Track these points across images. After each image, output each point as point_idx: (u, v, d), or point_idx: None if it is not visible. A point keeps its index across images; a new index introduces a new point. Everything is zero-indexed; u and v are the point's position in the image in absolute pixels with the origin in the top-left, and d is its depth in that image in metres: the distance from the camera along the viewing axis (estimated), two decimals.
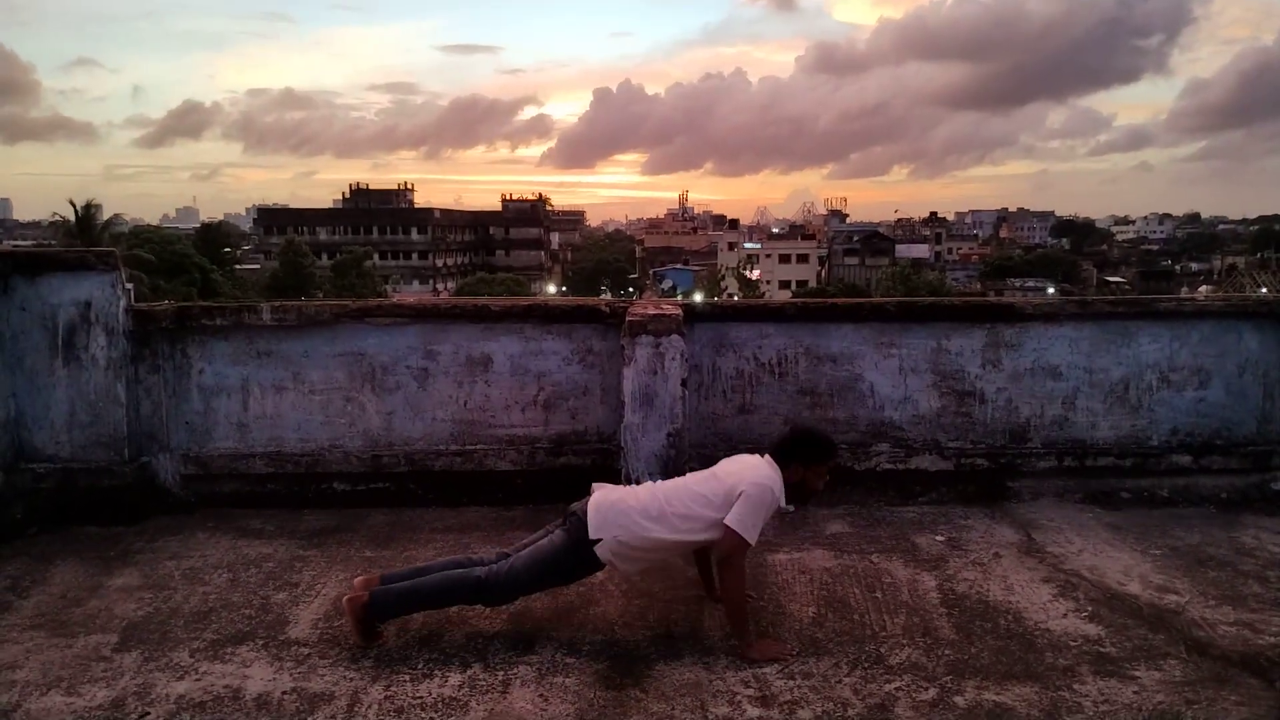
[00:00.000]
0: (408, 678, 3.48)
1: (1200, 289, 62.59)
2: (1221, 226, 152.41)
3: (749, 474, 3.74)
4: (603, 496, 3.82)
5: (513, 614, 3.93)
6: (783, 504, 3.76)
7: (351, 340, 5.40)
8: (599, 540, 3.68)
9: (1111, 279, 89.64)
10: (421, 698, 3.34)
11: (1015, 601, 4.13)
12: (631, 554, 3.74)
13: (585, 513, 3.75)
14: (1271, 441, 5.60)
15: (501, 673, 3.51)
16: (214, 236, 66.92)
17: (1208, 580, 4.36)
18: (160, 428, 5.36)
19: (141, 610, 4.06)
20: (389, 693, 3.37)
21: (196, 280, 51.05)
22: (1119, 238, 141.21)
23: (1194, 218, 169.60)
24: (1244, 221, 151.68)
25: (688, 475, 3.97)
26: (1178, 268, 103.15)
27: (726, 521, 3.64)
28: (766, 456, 3.85)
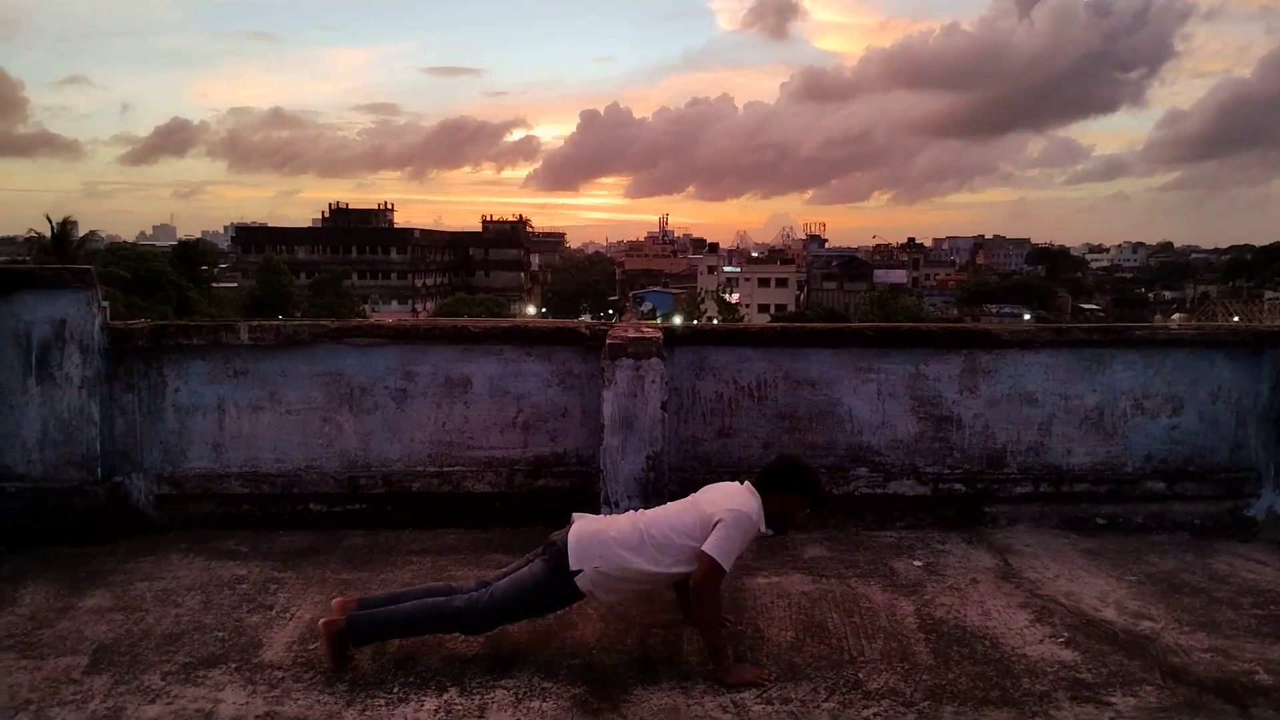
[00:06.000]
0: (383, 702, 3.44)
1: (1173, 317, 63.35)
2: (1194, 255, 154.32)
3: (728, 501, 3.74)
4: (583, 527, 3.81)
5: (490, 638, 3.89)
6: (762, 529, 3.77)
7: (329, 360, 5.37)
8: (579, 571, 3.67)
9: (1086, 306, 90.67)
10: None
11: (992, 627, 4.14)
12: (611, 584, 3.72)
13: (565, 543, 3.73)
14: (1244, 468, 5.66)
15: (478, 697, 3.48)
16: (191, 254, 66.40)
17: (1182, 606, 4.39)
18: (134, 447, 5.30)
19: (112, 632, 4.00)
20: (363, 717, 3.34)
21: (173, 298, 50.61)
22: (1093, 265, 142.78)
23: (1167, 246, 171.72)
24: (1216, 251, 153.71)
25: (669, 505, 3.96)
26: (1151, 296, 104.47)
27: (703, 548, 3.63)
28: (747, 484, 3.86)
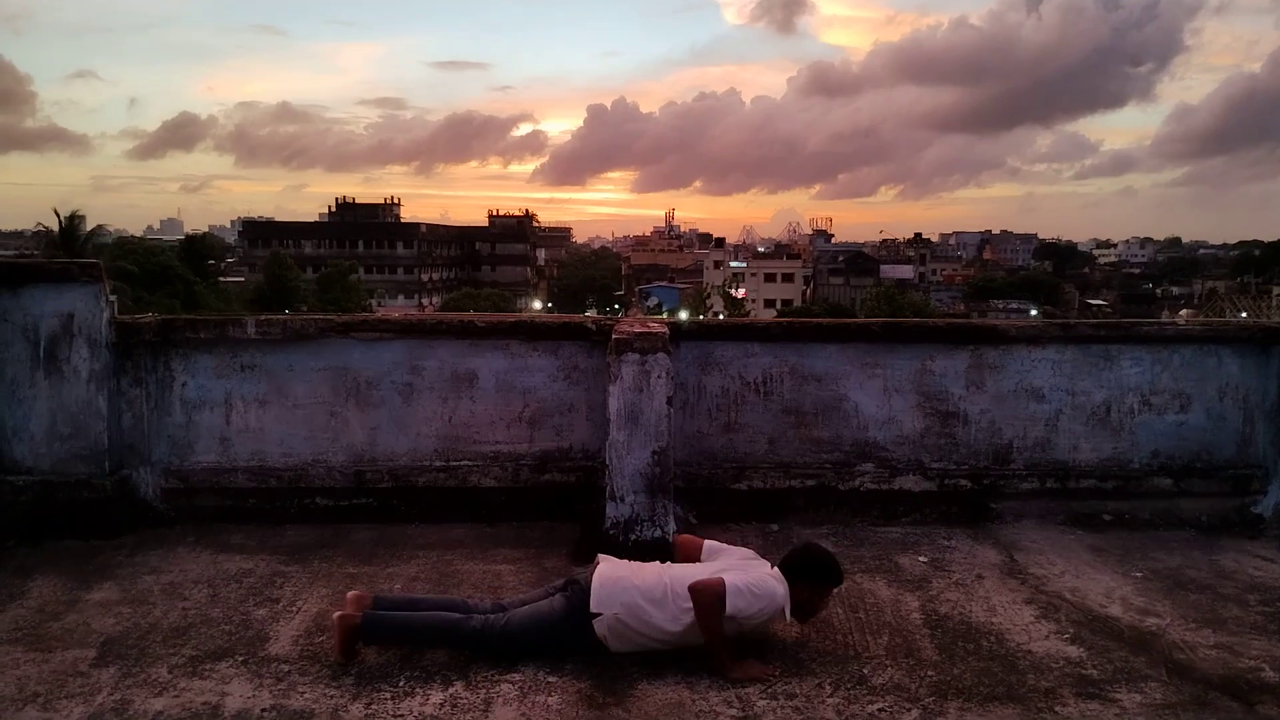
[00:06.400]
0: (389, 695, 3.45)
1: (1181, 313, 63.15)
2: (1202, 251, 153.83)
3: (763, 583, 3.72)
4: (609, 571, 3.81)
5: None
6: (788, 619, 3.77)
7: (336, 355, 5.38)
8: (599, 615, 3.66)
9: (1093, 302, 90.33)
10: (402, 716, 3.32)
11: (997, 623, 4.14)
12: (627, 634, 3.69)
13: (589, 583, 3.73)
14: (1251, 465, 5.64)
15: (483, 691, 3.49)
16: (199, 249, 66.56)
17: (1188, 603, 4.39)
18: (141, 441, 5.32)
19: (120, 625, 4.02)
20: (370, 710, 3.35)
21: (180, 292, 50.72)
22: (1100, 261, 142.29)
23: (1175, 242, 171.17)
24: (1224, 246, 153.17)
25: (698, 564, 3.95)
26: (1159, 291, 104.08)
27: (724, 577, 3.64)
28: (776, 569, 3.85)
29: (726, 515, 5.29)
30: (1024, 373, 5.55)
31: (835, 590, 3.95)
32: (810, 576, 3.83)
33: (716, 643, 3.64)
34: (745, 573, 3.77)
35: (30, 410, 5.14)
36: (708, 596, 3.62)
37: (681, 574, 3.79)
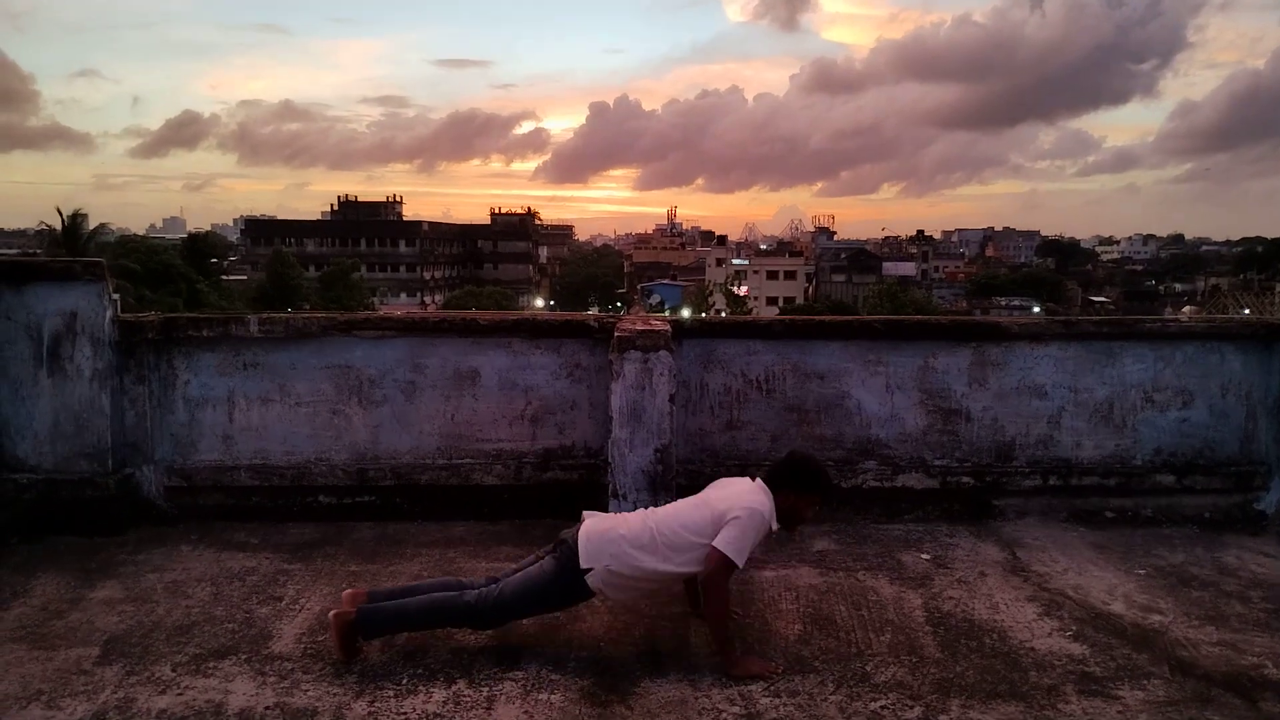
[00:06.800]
0: (392, 693, 3.46)
1: (1184, 310, 63.08)
2: (1205, 248, 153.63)
3: (740, 499, 3.74)
4: (593, 525, 3.81)
5: (498, 630, 3.90)
6: (774, 527, 3.77)
7: (339, 353, 5.39)
8: (590, 569, 3.67)
9: (1096, 299, 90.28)
10: (405, 713, 3.32)
11: (1000, 620, 4.14)
12: (622, 583, 3.72)
13: (576, 541, 3.74)
14: (1254, 462, 5.64)
15: (486, 689, 3.50)
16: (201, 247, 66.64)
17: (1191, 600, 4.38)
18: (144, 439, 5.33)
19: (123, 623, 4.03)
20: (373, 708, 3.35)
21: (182, 291, 50.79)
22: (1103, 258, 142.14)
23: (1178, 238, 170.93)
24: (1228, 243, 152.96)
25: (679, 502, 3.95)
26: (1161, 288, 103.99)
27: (714, 544, 3.63)
28: (758, 480, 3.86)
29: None
30: (1026, 370, 5.54)
31: (819, 497, 3.90)
32: (793, 482, 3.82)
33: (724, 634, 3.66)
34: (728, 505, 3.71)
35: (34, 408, 5.15)
36: (717, 580, 3.62)
37: (665, 515, 3.81)
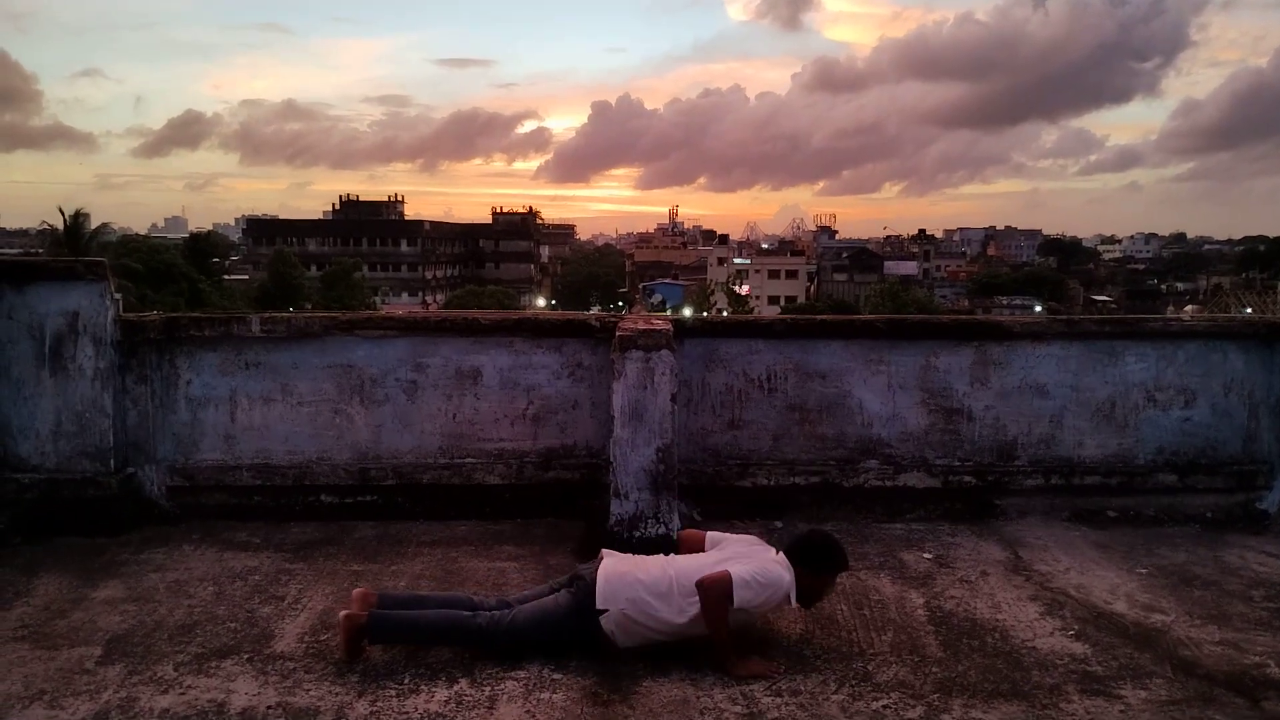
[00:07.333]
0: (394, 693, 3.46)
1: (1186, 309, 63.03)
2: (1207, 247, 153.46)
3: (767, 567, 3.72)
4: (613, 566, 3.81)
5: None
6: (793, 603, 3.76)
7: (340, 352, 5.39)
8: (605, 611, 3.67)
9: (1098, 298, 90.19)
10: (408, 713, 3.33)
11: (1002, 619, 4.13)
12: (634, 629, 3.70)
13: (594, 578, 3.73)
14: (1256, 461, 5.63)
15: (488, 688, 3.50)
16: (203, 247, 66.71)
17: (1193, 599, 4.38)
18: (147, 439, 5.33)
19: (125, 623, 4.03)
20: (375, 708, 3.36)
21: (185, 290, 50.83)
22: (1105, 257, 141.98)
23: (1180, 237, 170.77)
24: (1230, 242, 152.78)
25: (702, 554, 3.95)
26: (1164, 287, 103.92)
27: (729, 569, 3.63)
28: (781, 554, 3.84)
29: (730, 512, 5.29)
30: (1028, 369, 5.54)
31: (840, 576, 3.94)
32: (814, 561, 3.82)
33: (722, 639, 3.64)
34: (750, 560, 3.77)
35: (36, 408, 5.15)
36: (714, 592, 3.62)
37: (685, 566, 3.80)
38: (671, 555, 4.00)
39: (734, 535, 4.11)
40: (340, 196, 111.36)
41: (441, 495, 5.40)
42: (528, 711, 3.35)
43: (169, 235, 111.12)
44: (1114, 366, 5.57)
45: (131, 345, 5.27)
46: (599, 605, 3.67)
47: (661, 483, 4.89)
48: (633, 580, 3.71)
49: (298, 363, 5.38)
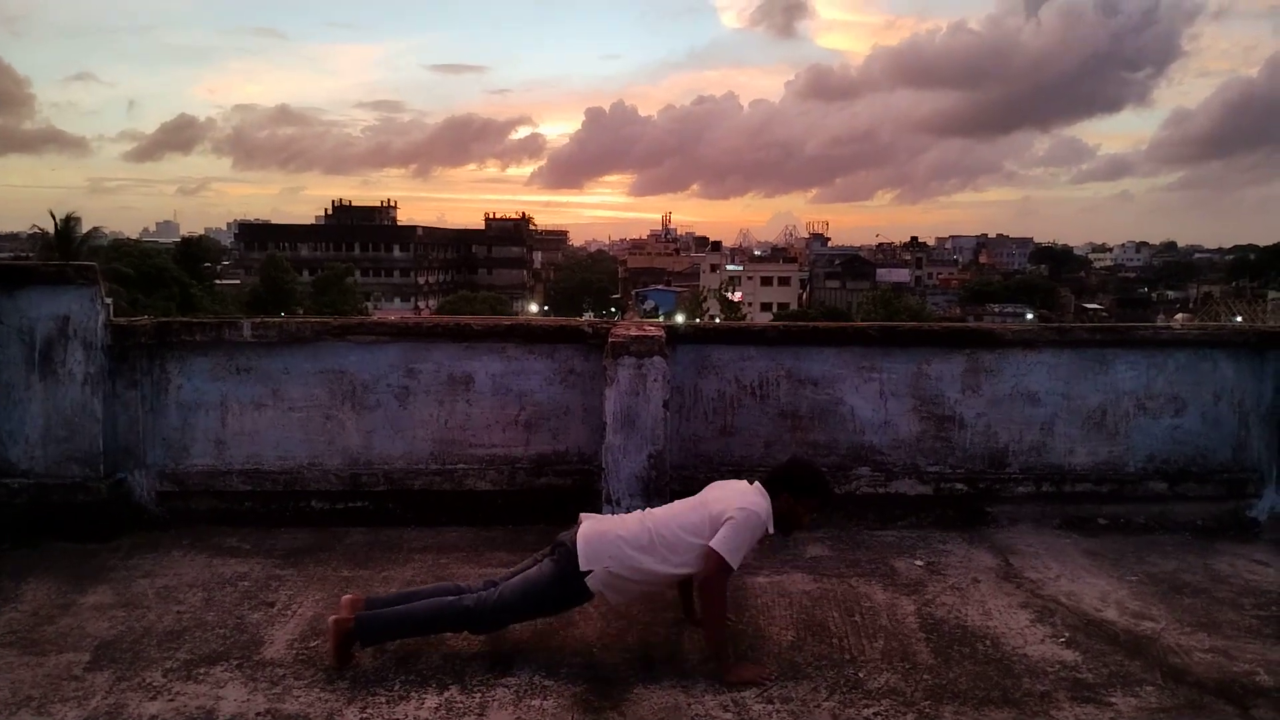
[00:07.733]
0: (384, 699, 3.45)
1: (1176, 317, 63.24)
2: (1198, 255, 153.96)
3: (737, 500, 3.75)
4: (591, 527, 3.81)
5: (491, 635, 3.90)
6: (770, 530, 3.77)
7: (332, 358, 5.38)
8: (589, 571, 3.67)
9: (1089, 306, 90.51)
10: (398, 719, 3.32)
11: (993, 627, 4.14)
12: (622, 585, 3.72)
13: (574, 543, 3.73)
14: (1246, 469, 5.65)
15: (479, 695, 3.49)
16: (195, 251, 66.55)
17: (1183, 607, 4.39)
18: (137, 444, 5.31)
19: (114, 629, 4.01)
20: (364, 715, 3.35)
21: (176, 295, 50.66)
22: (1096, 265, 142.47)
23: (1171, 246, 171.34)
24: (1220, 250, 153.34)
25: (677, 503, 3.95)
26: (1154, 295, 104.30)
27: (711, 545, 3.64)
28: (756, 483, 3.86)
29: None
30: (1020, 376, 5.55)
31: (817, 503, 3.91)
32: (791, 486, 3.83)
33: (721, 637, 3.67)
34: (723, 501, 3.75)
35: (25, 413, 5.13)
36: (715, 583, 3.63)
37: (662, 516, 3.82)
38: (648, 509, 4.01)
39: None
40: (333, 202, 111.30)
41: (433, 501, 5.39)
42: (518, 718, 3.34)
43: (161, 240, 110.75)
44: (1105, 374, 5.59)
45: (122, 350, 5.25)
46: (583, 567, 3.67)
47: (653, 489, 4.89)
48: (614, 538, 3.72)
49: (289, 368, 5.37)
